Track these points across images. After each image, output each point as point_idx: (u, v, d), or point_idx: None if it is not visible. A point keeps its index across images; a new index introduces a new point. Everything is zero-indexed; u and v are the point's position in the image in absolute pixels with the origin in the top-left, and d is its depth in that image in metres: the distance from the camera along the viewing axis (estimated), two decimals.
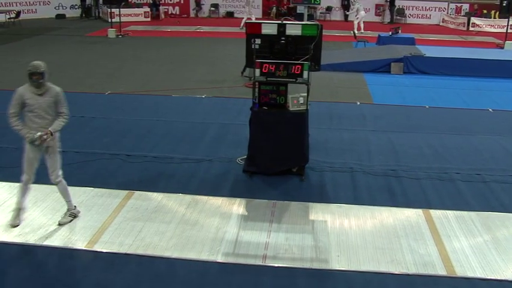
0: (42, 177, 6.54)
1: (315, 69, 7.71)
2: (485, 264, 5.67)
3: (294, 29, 7.54)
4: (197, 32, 24.47)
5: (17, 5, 27.01)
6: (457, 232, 6.33)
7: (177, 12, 30.41)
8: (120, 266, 5.56)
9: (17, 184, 7.19)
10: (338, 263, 5.67)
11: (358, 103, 12.04)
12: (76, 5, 29.42)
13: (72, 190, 6.55)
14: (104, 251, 5.80)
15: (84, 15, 29.06)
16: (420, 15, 29.36)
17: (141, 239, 6.02)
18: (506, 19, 21.30)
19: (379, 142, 9.39)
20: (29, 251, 5.80)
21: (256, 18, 23.75)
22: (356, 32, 21.83)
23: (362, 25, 23.38)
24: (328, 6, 29.62)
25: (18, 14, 25.71)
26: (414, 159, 8.63)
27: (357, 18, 23.50)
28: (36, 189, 7.09)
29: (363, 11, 23.70)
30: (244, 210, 6.86)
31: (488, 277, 5.47)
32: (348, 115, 11.07)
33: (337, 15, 30.11)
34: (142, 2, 29.24)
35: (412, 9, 29.31)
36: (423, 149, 9.12)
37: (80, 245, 5.89)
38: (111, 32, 21.95)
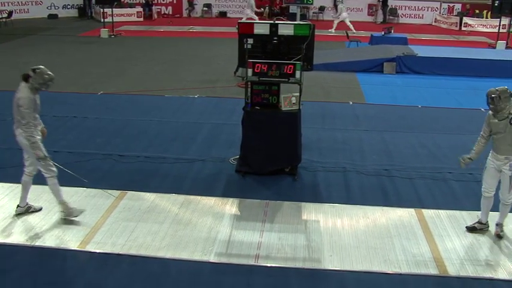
0: (35, 177, 6.50)
1: (307, 69, 7.72)
2: (477, 264, 5.70)
3: (286, 28, 7.55)
4: (190, 32, 24.42)
5: (9, 5, 26.85)
6: (449, 231, 6.36)
7: (170, 12, 30.35)
8: (112, 266, 5.54)
9: (9, 184, 7.19)
10: (331, 263, 5.67)
11: (351, 103, 12.06)
12: (69, 5, 29.30)
13: (65, 190, 6.52)
14: (97, 251, 5.78)
15: (78, 15, 28.97)
16: (413, 15, 29.44)
17: (134, 239, 6.01)
18: (498, 19, 21.42)
19: (372, 142, 9.41)
20: (22, 251, 5.77)
21: (248, 19, 23.68)
22: (348, 32, 21.85)
23: (351, 25, 23.17)
24: (320, 6, 29.63)
25: (10, 13, 25.56)
26: (407, 158, 8.65)
27: (338, 18, 23.59)
28: None
29: (345, 12, 23.76)
30: (237, 210, 6.86)
31: (480, 276, 5.50)
32: (341, 115, 11.09)
33: (329, 15, 30.09)
34: (135, 2, 29.17)
35: (405, 9, 29.38)
36: (416, 148, 9.14)
37: (73, 245, 5.87)
38: (104, 32, 21.87)
